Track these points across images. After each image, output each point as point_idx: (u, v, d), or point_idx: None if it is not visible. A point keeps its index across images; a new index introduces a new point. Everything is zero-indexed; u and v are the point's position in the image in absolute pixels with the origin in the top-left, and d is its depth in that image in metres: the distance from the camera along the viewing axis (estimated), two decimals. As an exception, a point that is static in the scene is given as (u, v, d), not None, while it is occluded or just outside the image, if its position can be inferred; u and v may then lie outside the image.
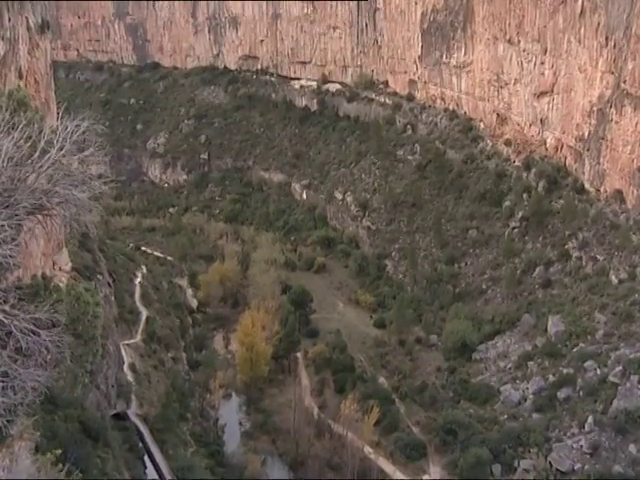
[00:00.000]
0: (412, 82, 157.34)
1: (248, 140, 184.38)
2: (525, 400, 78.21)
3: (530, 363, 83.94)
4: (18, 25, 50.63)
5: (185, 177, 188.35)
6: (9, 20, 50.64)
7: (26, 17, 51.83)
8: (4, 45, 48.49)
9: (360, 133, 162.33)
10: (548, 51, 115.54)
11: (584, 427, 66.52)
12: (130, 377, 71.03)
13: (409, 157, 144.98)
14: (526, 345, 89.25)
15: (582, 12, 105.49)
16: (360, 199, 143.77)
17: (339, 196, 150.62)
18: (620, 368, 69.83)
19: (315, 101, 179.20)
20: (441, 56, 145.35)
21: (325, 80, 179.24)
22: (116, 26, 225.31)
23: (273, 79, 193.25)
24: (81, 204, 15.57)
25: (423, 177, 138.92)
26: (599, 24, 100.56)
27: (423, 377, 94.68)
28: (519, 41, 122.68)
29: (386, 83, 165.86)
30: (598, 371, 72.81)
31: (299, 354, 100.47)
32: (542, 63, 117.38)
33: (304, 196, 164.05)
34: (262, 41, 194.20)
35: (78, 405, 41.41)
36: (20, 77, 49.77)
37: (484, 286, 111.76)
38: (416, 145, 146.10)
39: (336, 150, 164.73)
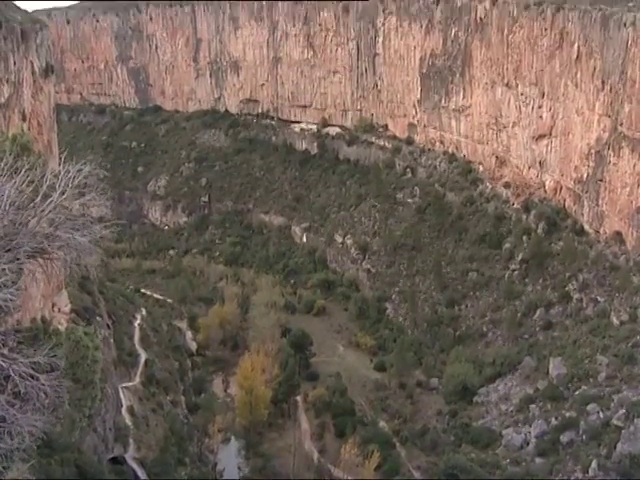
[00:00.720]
0: (411, 126, 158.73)
1: (248, 183, 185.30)
2: (527, 444, 77.19)
3: (532, 406, 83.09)
4: (23, 69, 51.20)
5: (185, 219, 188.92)
6: (14, 64, 51.29)
7: (31, 61, 52.42)
8: (9, 88, 49.04)
9: (360, 176, 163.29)
10: (546, 95, 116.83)
11: (588, 472, 65.47)
12: (128, 420, 70.34)
13: (409, 200, 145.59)
14: (527, 388, 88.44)
15: (578, 57, 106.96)
16: (360, 242, 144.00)
17: (339, 239, 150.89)
18: (623, 411, 69.13)
19: (315, 144, 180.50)
20: (440, 100, 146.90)
21: (325, 124, 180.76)
22: (119, 70, 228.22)
23: (273, 123, 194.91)
24: (82, 248, 15.60)
25: (423, 220, 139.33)
26: (595, 68, 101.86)
27: (424, 421, 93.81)
28: (517, 85, 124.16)
29: (386, 127, 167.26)
30: (601, 414, 72.06)
31: (299, 398, 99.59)
32: (540, 106, 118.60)
33: (304, 239, 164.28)
34: (263, 85, 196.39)
35: (75, 449, 40.96)
36: (24, 119, 50.20)
37: (485, 329, 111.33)
38: (416, 188, 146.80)
39: (336, 193, 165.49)
